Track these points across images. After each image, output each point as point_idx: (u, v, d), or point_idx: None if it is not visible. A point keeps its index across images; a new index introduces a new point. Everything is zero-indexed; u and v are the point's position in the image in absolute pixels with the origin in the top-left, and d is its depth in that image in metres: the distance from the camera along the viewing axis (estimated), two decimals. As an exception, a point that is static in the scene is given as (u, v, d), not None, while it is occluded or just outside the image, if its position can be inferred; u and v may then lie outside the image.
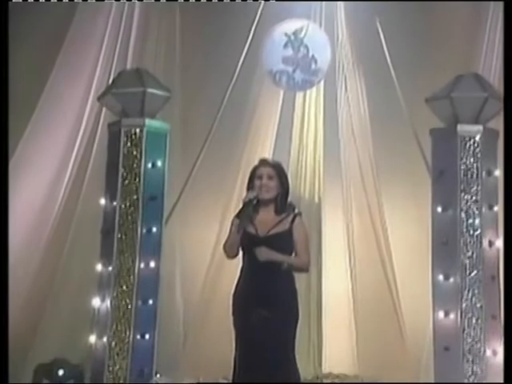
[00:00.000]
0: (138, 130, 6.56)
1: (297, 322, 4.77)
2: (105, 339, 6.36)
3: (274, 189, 4.86)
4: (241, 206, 4.84)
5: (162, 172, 6.61)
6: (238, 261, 4.98)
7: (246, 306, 4.72)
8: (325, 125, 7.24)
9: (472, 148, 6.31)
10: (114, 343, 6.34)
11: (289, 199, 4.92)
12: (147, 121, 6.58)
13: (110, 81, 7.07)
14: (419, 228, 6.87)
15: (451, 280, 6.22)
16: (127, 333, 6.35)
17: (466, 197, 6.27)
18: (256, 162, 5.00)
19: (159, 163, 6.60)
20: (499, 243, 6.18)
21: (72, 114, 7.30)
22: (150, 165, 6.58)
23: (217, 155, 7.09)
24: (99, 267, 6.57)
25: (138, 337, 6.38)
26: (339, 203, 7.21)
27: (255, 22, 7.03)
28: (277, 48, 6.98)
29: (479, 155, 6.29)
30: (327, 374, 6.67)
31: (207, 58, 7.39)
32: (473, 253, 6.20)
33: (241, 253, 4.86)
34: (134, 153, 6.56)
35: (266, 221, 4.83)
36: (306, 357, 6.61)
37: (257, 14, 7.02)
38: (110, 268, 6.46)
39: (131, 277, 6.43)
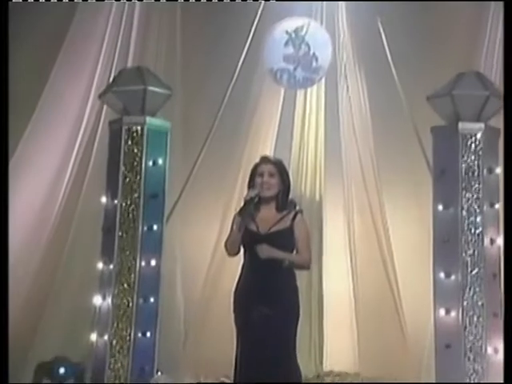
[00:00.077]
0: (138, 128, 6.57)
1: (298, 320, 4.76)
2: (106, 337, 6.37)
3: (275, 186, 4.85)
4: (242, 203, 4.83)
5: (162, 170, 6.61)
6: (239, 259, 4.97)
7: (247, 304, 4.71)
8: (326, 123, 7.23)
9: (473, 146, 6.31)
10: (114, 341, 6.35)
11: (290, 196, 4.91)
12: (148, 119, 6.59)
13: (111, 79, 7.07)
14: (420, 226, 6.87)
15: (452, 278, 6.22)
16: (128, 331, 6.35)
17: (467, 195, 6.27)
18: (257, 160, 4.99)
19: (160, 161, 6.60)
20: (500, 241, 6.18)
21: (73, 113, 7.30)
22: (150, 163, 6.59)
23: (218, 153, 7.09)
24: (100, 265, 6.57)
25: (139, 335, 6.38)
26: (340, 201, 7.21)
27: (256, 21, 7.02)
28: (278, 46, 6.98)
29: (480, 153, 6.30)
30: (328, 372, 6.66)
31: (208, 56, 7.38)
32: (474, 251, 6.20)
33: (242, 250, 4.85)
34: (135, 151, 6.56)
35: (267, 218, 4.82)
36: (307, 355, 6.61)
37: (257, 13, 7.01)
38: (111, 266, 6.46)
39: (132, 275, 6.44)
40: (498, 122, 6.18)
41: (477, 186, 6.27)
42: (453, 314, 6.19)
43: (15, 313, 6.45)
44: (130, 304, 6.39)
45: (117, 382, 6.31)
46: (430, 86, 6.62)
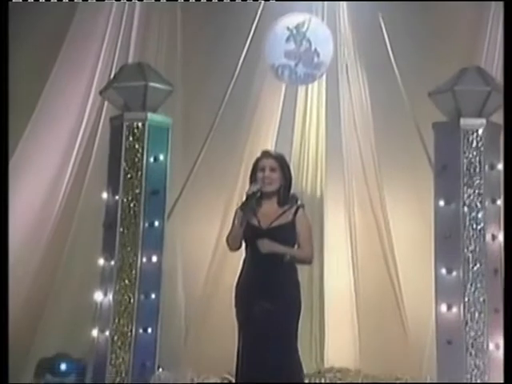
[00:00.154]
0: (140, 124, 6.57)
1: (299, 314, 4.76)
2: (107, 333, 6.38)
3: (277, 181, 4.85)
4: (244, 198, 4.83)
5: (164, 166, 6.61)
6: (240, 255, 4.97)
7: (249, 298, 4.71)
8: (327, 119, 7.22)
9: (475, 142, 6.31)
10: (116, 337, 6.35)
11: (291, 191, 4.91)
12: (149, 115, 6.59)
13: (112, 76, 7.06)
14: (421, 222, 6.87)
15: (454, 274, 6.22)
16: (129, 327, 6.36)
17: (468, 190, 6.27)
18: (259, 155, 4.99)
19: (161, 157, 6.60)
20: (502, 237, 6.17)
21: (74, 109, 7.30)
22: (152, 159, 6.59)
23: (219, 150, 7.08)
24: (101, 261, 6.58)
25: (141, 331, 6.39)
26: (341, 197, 7.20)
27: (257, 18, 7.01)
28: (279, 42, 6.96)
29: (482, 149, 6.29)
30: (329, 369, 6.65)
31: (209, 53, 7.38)
32: (475, 246, 6.20)
33: (244, 245, 4.85)
34: (136, 147, 6.56)
35: (268, 213, 4.81)
36: (308, 351, 6.59)
37: (257, 11, 7.00)
38: (112, 262, 6.47)
39: (133, 271, 6.44)
40: (500, 117, 6.16)
41: (478, 181, 6.27)
42: (454, 309, 6.19)
43: (16, 309, 6.47)
44: (132, 300, 6.39)
45: (118, 378, 6.32)
46: (431, 81, 6.62)
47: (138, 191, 6.52)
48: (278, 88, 7.19)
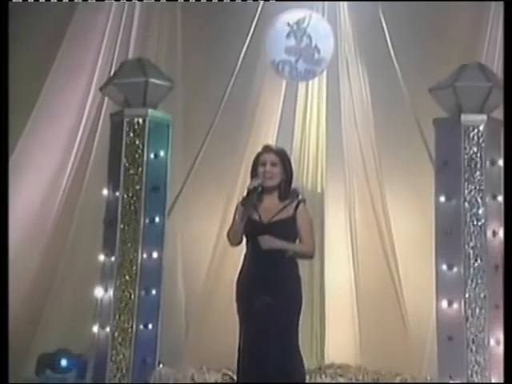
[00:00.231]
0: (140, 120, 6.56)
1: (300, 309, 4.77)
2: (108, 329, 6.37)
3: (278, 175, 4.85)
4: (245, 193, 4.83)
5: (164, 162, 6.60)
6: (241, 251, 4.97)
7: (250, 293, 4.71)
8: (327, 115, 7.21)
9: (476, 138, 6.31)
10: (116, 333, 6.35)
11: (292, 185, 4.91)
12: (150, 111, 6.58)
13: (112, 72, 7.06)
14: (421, 218, 6.87)
15: (455, 270, 6.22)
16: (130, 323, 6.35)
17: (469, 186, 6.26)
18: (259, 149, 4.99)
19: (162, 153, 6.60)
20: (503, 233, 6.16)
21: (74, 106, 7.30)
22: (152, 155, 6.58)
23: (219, 146, 7.08)
24: (102, 257, 6.57)
25: (141, 327, 6.38)
26: (342, 194, 7.19)
27: (256, 16, 7.00)
28: (279, 38, 6.95)
29: (483, 145, 6.29)
30: (330, 365, 6.65)
31: (209, 49, 7.37)
32: (476, 242, 6.20)
33: (245, 240, 4.85)
34: (137, 143, 6.56)
35: (269, 207, 4.82)
36: (309, 347, 6.58)
37: (257, 8, 7.00)
38: (113, 258, 6.46)
39: (134, 267, 6.44)
40: (501, 113, 6.16)
41: (479, 177, 6.26)
42: (455, 305, 6.19)
43: (17, 305, 6.47)
44: (132, 296, 6.39)
45: (118, 374, 6.31)
46: (432, 77, 6.61)
47: (138, 187, 6.51)
48: (279, 84, 7.18)
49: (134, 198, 6.51)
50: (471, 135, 6.31)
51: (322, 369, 6.50)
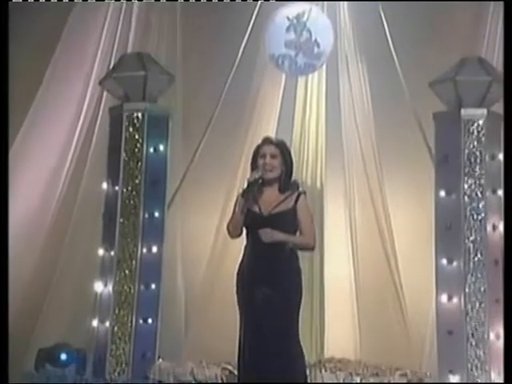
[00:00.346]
0: (139, 115, 6.57)
1: (300, 301, 4.77)
2: (107, 324, 6.38)
3: (278, 167, 4.85)
4: (245, 185, 4.82)
5: (164, 156, 6.61)
6: (241, 245, 4.96)
7: (250, 285, 4.71)
8: (327, 110, 7.19)
9: (476, 132, 6.30)
10: (116, 328, 6.36)
11: (293, 177, 4.91)
12: (149, 105, 6.58)
13: (111, 66, 7.05)
14: (421, 213, 6.86)
15: (455, 264, 6.22)
16: (129, 317, 6.37)
17: (469, 181, 6.26)
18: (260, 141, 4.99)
19: (161, 147, 6.60)
20: (502, 227, 6.16)
21: (73, 99, 7.29)
22: (151, 149, 6.59)
23: (219, 140, 7.06)
24: (101, 252, 6.58)
25: (141, 321, 6.40)
26: (341, 189, 7.18)
27: (257, 9, 6.99)
28: (279, 32, 6.92)
29: (483, 139, 6.28)
30: (330, 359, 6.64)
31: (209, 43, 7.35)
32: (476, 237, 6.20)
33: (245, 232, 4.85)
34: (136, 137, 6.56)
35: (269, 200, 4.81)
36: (309, 341, 6.56)
37: (257, 3, 6.99)
38: (113, 253, 6.47)
39: (133, 261, 6.45)
40: (501, 107, 6.15)
41: (479, 172, 6.26)
42: (455, 300, 6.19)
43: (17, 300, 6.47)
44: (132, 290, 6.40)
45: (118, 368, 6.32)
46: (432, 72, 6.60)
47: (137, 181, 6.51)
48: (278, 79, 7.16)
49: (134, 193, 6.51)
50: (471, 129, 6.30)
51: (321, 363, 6.48)
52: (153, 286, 6.46)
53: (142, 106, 6.56)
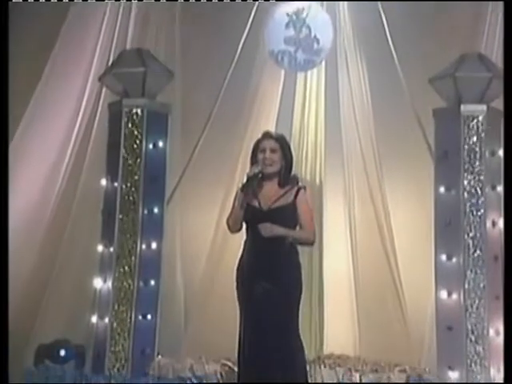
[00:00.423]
0: (139, 111, 6.56)
1: (300, 295, 4.77)
2: (107, 320, 6.38)
3: (278, 162, 4.84)
4: (245, 180, 4.81)
5: (163, 152, 6.60)
6: (241, 240, 4.96)
7: (250, 279, 4.71)
8: (326, 106, 7.19)
9: (475, 128, 6.31)
10: (115, 324, 6.36)
11: (292, 172, 4.90)
12: (148, 101, 6.57)
13: (111, 62, 7.04)
14: (421, 209, 6.86)
15: (454, 260, 6.23)
16: (129, 313, 6.37)
17: (469, 177, 6.27)
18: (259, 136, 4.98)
19: (160, 144, 6.59)
20: (502, 223, 6.16)
21: (72, 95, 7.27)
22: (151, 145, 6.59)
23: (218, 136, 7.05)
24: (100, 248, 6.57)
25: (140, 317, 6.40)
26: (340, 185, 7.17)
27: (256, 5, 6.99)
28: (278, 28, 6.92)
29: (483, 135, 6.29)
30: (329, 355, 6.63)
31: (208, 39, 7.34)
32: (476, 233, 6.21)
33: (244, 226, 4.84)
34: (135, 133, 6.55)
35: (269, 194, 4.81)
36: (308, 337, 6.54)
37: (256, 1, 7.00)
38: (112, 249, 6.46)
39: (133, 258, 6.45)
40: (501, 103, 6.14)
41: (479, 168, 6.27)
42: (454, 296, 6.19)
43: (16, 296, 6.45)
44: (131, 287, 6.40)
45: (117, 364, 6.31)
46: (431, 68, 6.60)
47: (137, 178, 6.51)
48: (278, 75, 7.15)
49: (133, 189, 6.51)
50: (471, 125, 6.30)
51: (320, 359, 6.47)
52: (152, 282, 6.45)
53: (142, 102, 6.56)
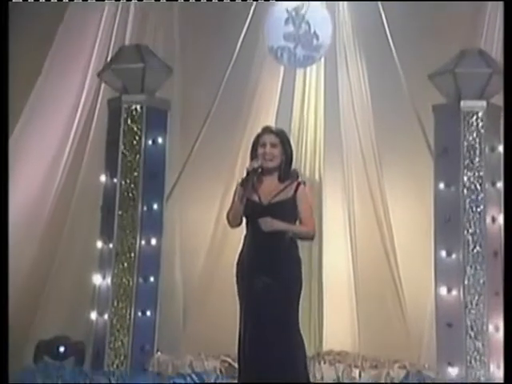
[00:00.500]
0: (138, 107, 6.56)
1: (300, 290, 4.76)
2: (106, 316, 6.38)
3: (278, 157, 4.83)
4: (245, 174, 4.81)
5: (162, 149, 6.60)
6: (241, 235, 4.94)
7: (250, 274, 4.70)
8: (325, 102, 7.18)
9: (475, 124, 6.31)
10: (115, 320, 6.36)
11: (292, 166, 4.90)
12: (147, 97, 6.56)
13: (109, 58, 7.03)
14: (420, 205, 6.85)
15: (454, 256, 6.23)
16: (128, 310, 6.37)
17: (468, 173, 6.27)
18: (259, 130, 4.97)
19: (160, 140, 6.59)
20: (502, 219, 6.16)
21: (71, 91, 7.27)
22: (150, 141, 6.58)
23: (217, 133, 7.05)
24: (100, 244, 6.56)
25: (139, 314, 6.39)
26: (340, 182, 7.17)
27: (255, 2, 6.98)
28: (278, 24, 6.91)
29: (482, 131, 6.29)
30: (328, 352, 6.63)
31: (207, 35, 7.33)
32: (475, 229, 6.21)
33: (244, 221, 4.83)
34: (135, 129, 6.55)
35: (269, 188, 4.80)
36: (307, 334, 6.51)
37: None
38: (111, 245, 6.45)
39: (132, 254, 6.44)
40: (501, 99, 6.14)
41: (478, 164, 6.27)
42: (454, 292, 6.19)
43: (16, 292, 6.44)
44: (130, 283, 6.40)
45: (117, 360, 6.31)
46: (431, 64, 6.59)
47: (136, 174, 6.50)
48: (277, 71, 7.14)
49: (132, 185, 6.50)
50: (471, 121, 6.30)
51: (320, 355, 6.47)
52: (151, 279, 6.45)
53: (141, 98, 6.55)
